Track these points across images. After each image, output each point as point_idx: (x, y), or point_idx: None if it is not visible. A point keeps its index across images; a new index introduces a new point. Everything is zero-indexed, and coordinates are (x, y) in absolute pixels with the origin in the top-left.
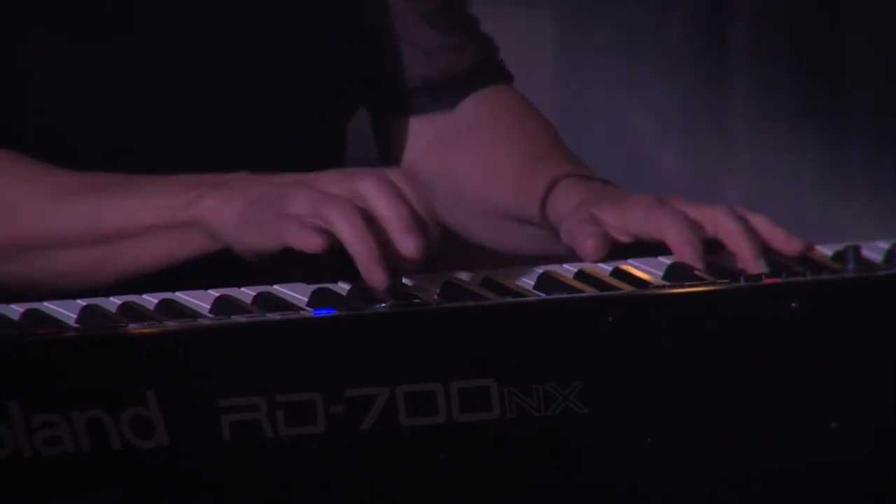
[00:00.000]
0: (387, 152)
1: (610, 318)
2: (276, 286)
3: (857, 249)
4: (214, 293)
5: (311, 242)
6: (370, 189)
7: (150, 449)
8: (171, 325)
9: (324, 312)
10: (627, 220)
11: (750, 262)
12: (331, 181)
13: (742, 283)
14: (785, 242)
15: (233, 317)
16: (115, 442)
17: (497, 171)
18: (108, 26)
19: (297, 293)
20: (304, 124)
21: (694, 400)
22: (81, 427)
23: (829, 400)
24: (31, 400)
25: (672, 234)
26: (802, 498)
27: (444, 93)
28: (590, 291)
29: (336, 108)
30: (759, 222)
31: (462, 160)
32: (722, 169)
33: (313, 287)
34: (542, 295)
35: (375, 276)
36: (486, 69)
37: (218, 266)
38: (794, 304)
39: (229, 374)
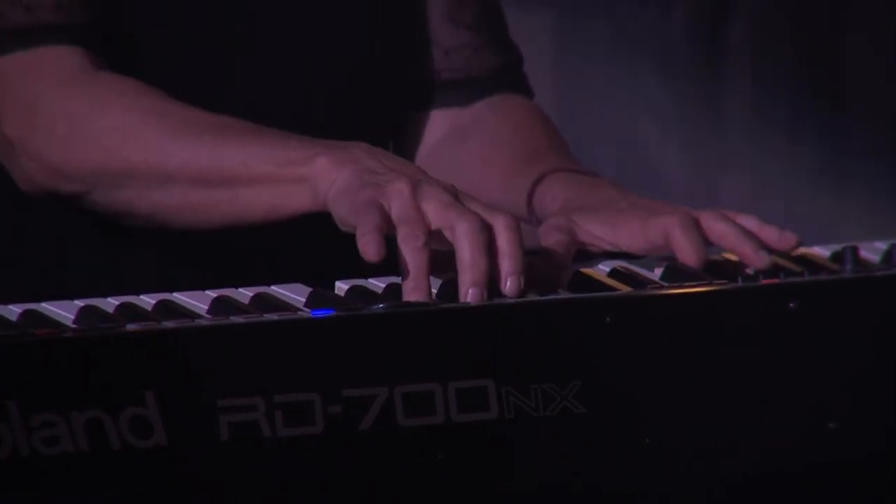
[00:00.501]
0: (399, 144)
1: (608, 319)
2: (273, 287)
3: (855, 250)
4: (212, 294)
5: (368, 250)
6: (502, 223)
7: (149, 449)
8: (169, 325)
9: (321, 313)
10: (618, 236)
11: (752, 257)
12: (445, 192)
13: (740, 283)
14: (778, 239)
15: (231, 317)
16: (115, 442)
17: (491, 167)
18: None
19: (294, 294)
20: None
21: (691, 400)
22: (80, 427)
23: (828, 401)
24: (29, 400)
25: (678, 238)
26: (801, 499)
27: (459, 91)
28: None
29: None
30: (749, 223)
31: (464, 156)
32: (720, 169)
33: (310, 288)
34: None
35: (475, 296)
36: (505, 75)
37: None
38: (792, 305)
39: (228, 374)
